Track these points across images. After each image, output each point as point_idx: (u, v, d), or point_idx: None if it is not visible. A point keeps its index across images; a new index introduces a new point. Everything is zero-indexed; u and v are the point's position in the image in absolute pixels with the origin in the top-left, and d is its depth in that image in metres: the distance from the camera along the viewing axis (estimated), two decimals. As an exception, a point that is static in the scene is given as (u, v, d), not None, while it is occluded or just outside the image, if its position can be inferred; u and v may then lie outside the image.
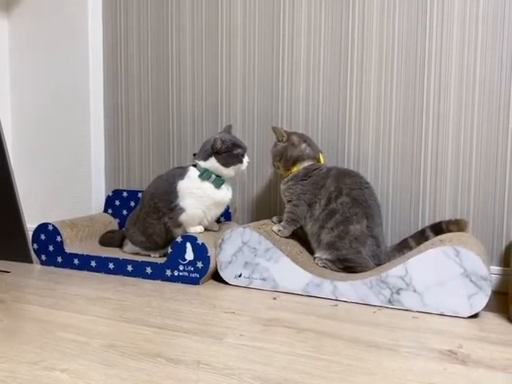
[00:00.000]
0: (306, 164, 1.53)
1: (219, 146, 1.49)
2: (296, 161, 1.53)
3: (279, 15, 1.69)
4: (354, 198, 1.45)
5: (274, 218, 1.59)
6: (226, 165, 1.51)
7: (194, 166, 1.55)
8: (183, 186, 1.53)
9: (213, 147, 1.50)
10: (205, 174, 1.52)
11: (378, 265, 1.44)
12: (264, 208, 1.76)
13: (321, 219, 1.47)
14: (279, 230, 1.49)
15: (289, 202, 1.52)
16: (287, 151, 1.53)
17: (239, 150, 1.52)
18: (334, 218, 1.45)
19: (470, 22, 1.47)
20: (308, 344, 1.05)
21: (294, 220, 1.50)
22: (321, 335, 1.10)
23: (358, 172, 1.54)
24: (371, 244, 1.44)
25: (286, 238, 1.50)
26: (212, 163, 1.51)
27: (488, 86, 1.46)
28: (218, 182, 1.52)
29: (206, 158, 1.52)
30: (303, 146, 1.54)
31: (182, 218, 1.53)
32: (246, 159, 1.54)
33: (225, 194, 1.55)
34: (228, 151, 1.51)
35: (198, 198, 1.52)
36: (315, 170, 1.52)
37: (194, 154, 1.59)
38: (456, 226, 1.42)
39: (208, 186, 1.52)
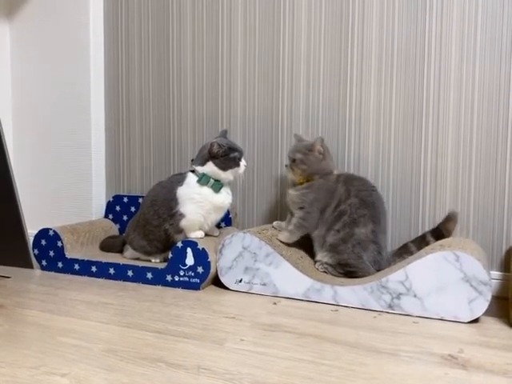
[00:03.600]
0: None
1: (216, 150, 1.50)
2: (317, 173, 1.52)
3: (279, 22, 1.70)
4: (362, 200, 1.46)
5: (275, 223, 1.59)
6: (224, 168, 1.52)
7: (193, 171, 1.56)
8: (182, 192, 1.54)
9: (210, 151, 1.51)
10: (203, 179, 1.52)
11: (379, 271, 1.44)
12: (264, 213, 1.77)
13: (330, 221, 1.48)
14: (286, 236, 1.49)
15: (301, 208, 1.50)
16: (318, 165, 1.51)
17: (236, 154, 1.53)
18: (342, 219, 1.45)
19: (469, 22, 1.48)
20: (308, 349, 1.05)
21: (303, 226, 1.49)
22: (321, 340, 1.10)
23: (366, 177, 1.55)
24: (373, 250, 1.44)
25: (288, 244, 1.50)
26: (210, 168, 1.52)
27: (487, 91, 1.47)
28: (217, 186, 1.53)
29: (203, 163, 1.53)
30: (327, 160, 1.54)
31: (183, 223, 1.53)
32: (243, 163, 1.55)
33: (224, 198, 1.55)
34: (225, 155, 1.52)
35: (198, 203, 1.52)
36: (328, 178, 1.52)
37: (192, 160, 1.59)
38: (448, 221, 1.45)
39: (207, 190, 1.52)
